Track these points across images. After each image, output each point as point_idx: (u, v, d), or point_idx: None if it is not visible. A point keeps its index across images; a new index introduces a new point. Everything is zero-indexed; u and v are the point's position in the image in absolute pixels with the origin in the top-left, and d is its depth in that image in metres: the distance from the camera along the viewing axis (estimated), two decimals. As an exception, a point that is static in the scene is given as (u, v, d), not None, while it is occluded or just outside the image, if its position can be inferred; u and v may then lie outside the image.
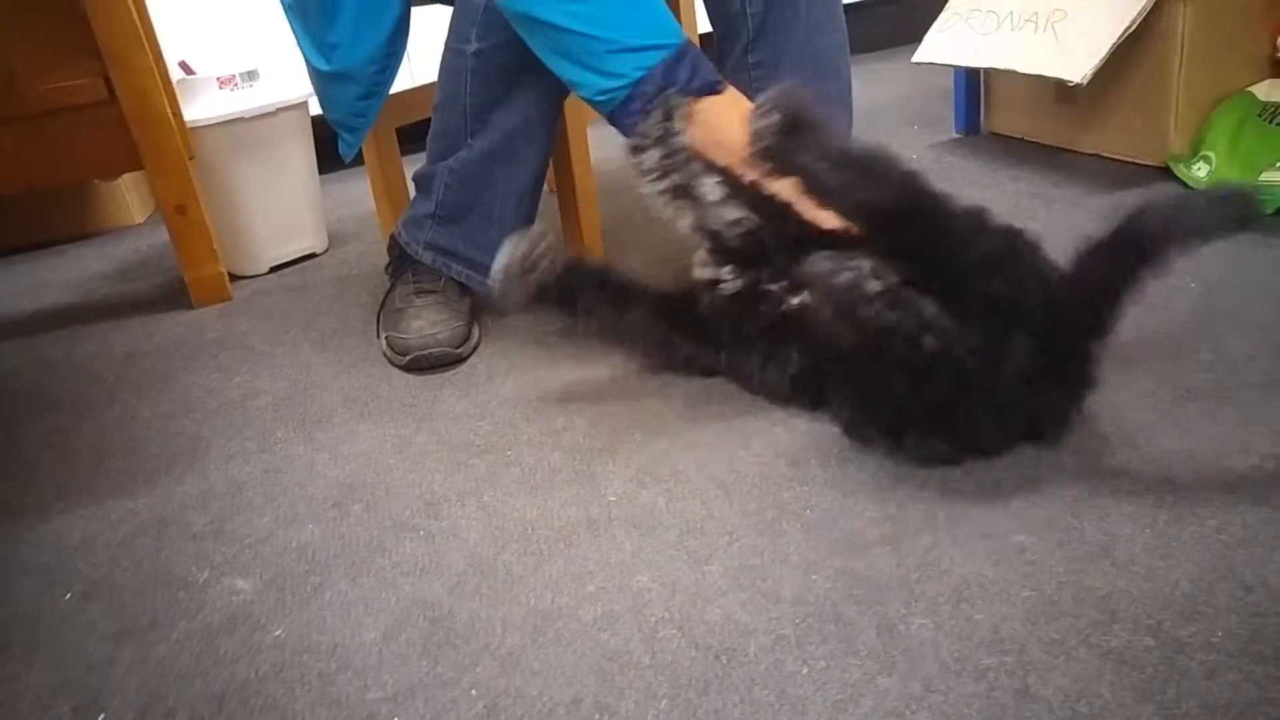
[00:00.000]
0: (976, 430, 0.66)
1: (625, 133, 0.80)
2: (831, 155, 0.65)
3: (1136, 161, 1.21)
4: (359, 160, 1.13)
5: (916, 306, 0.61)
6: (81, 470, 0.84)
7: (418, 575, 0.64)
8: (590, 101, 0.81)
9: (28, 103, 1.11)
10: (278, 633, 0.61)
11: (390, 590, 0.63)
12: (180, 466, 0.82)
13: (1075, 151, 1.30)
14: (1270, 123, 1.10)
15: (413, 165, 1.04)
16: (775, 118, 0.65)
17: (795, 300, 0.75)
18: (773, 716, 0.50)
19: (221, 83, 1.26)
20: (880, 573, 0.59)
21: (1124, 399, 0.72)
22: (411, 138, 1.16)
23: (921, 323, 0.61)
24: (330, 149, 1.13)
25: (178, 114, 1.18)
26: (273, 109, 1.26)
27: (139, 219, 1.67)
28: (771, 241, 0.76)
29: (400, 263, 1.01)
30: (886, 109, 1.67)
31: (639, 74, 0.76)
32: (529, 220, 0.99)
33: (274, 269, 1.31)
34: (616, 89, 0.77)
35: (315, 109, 1.19)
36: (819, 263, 0.63)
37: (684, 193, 0.78)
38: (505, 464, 0.76)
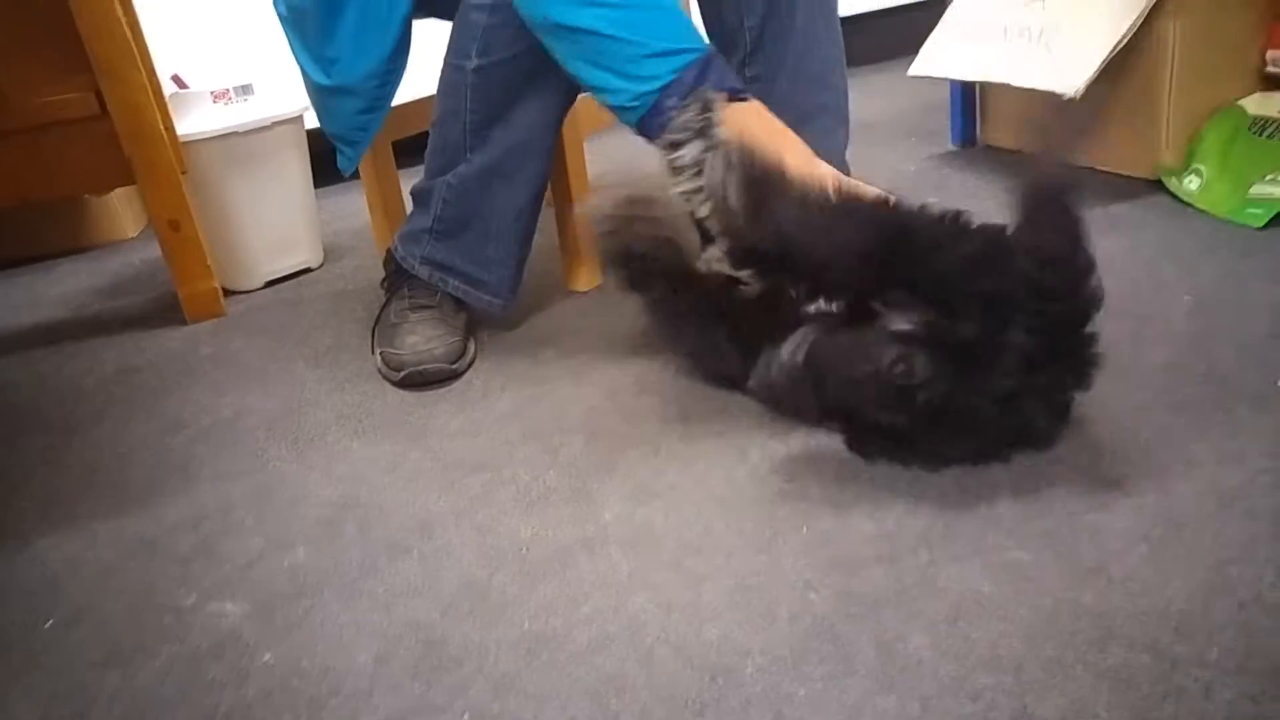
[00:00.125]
0: (986, 429, 0.66)
1: (653, 135, 0.78)
2: (793, 223, 0.65)
3: (1129, 174, 1.22)
4: (355, 174, 1.13)
5: (931, 370, 0.63)
6: (69, 490, 0.83)
7: (410, 597, 0.64)
8: (618, 108, 0.80)
9: (18, 117, 1.10)
10: (266, 657, 0.60)
11: (382, 612, 0.63)
12: (170, 486, 0.82)
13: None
14: (1260, 136, 1.11)
15: (409, 179, 1.04)
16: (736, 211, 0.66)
17: (813, 308, 0.74)
18: (770, 740, 0.49)
19: (215, 96, 1.26)
20: (877, 590, 0.58)
21: (1119, 412, 0.72)
22: (407, 151, 1.16)
23: (938, 382, 0.62)
24: (325, 163, 1.13)
25: (170, 128, 1.17)
26: (267, 123, 1.26)
27: (132, 233, 1.66)
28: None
29: (396, 278, 1.01)
30: (883, 122, 1.68)
31: (671, 76, 0.76)
32: (528, 236, 0.99)
33: (269, 284, 1.31)
34: (648, 92, 0.76)
35: (311, 123, 1.19)
36: (837, 347, 0.64)
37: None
38: (500, 482, 0.76)
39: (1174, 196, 1.14)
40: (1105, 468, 0.67)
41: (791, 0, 0.97)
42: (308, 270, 1.35)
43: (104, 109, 1.10)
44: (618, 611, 0.60)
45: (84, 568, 0.72)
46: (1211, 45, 1.13)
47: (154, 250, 1.47)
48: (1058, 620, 0.54)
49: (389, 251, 1.02)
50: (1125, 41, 1.11)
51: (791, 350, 0.66)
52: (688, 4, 1.13)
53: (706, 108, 0.75)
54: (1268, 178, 1.05)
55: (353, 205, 1.57)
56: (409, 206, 1.02)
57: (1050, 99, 1.14)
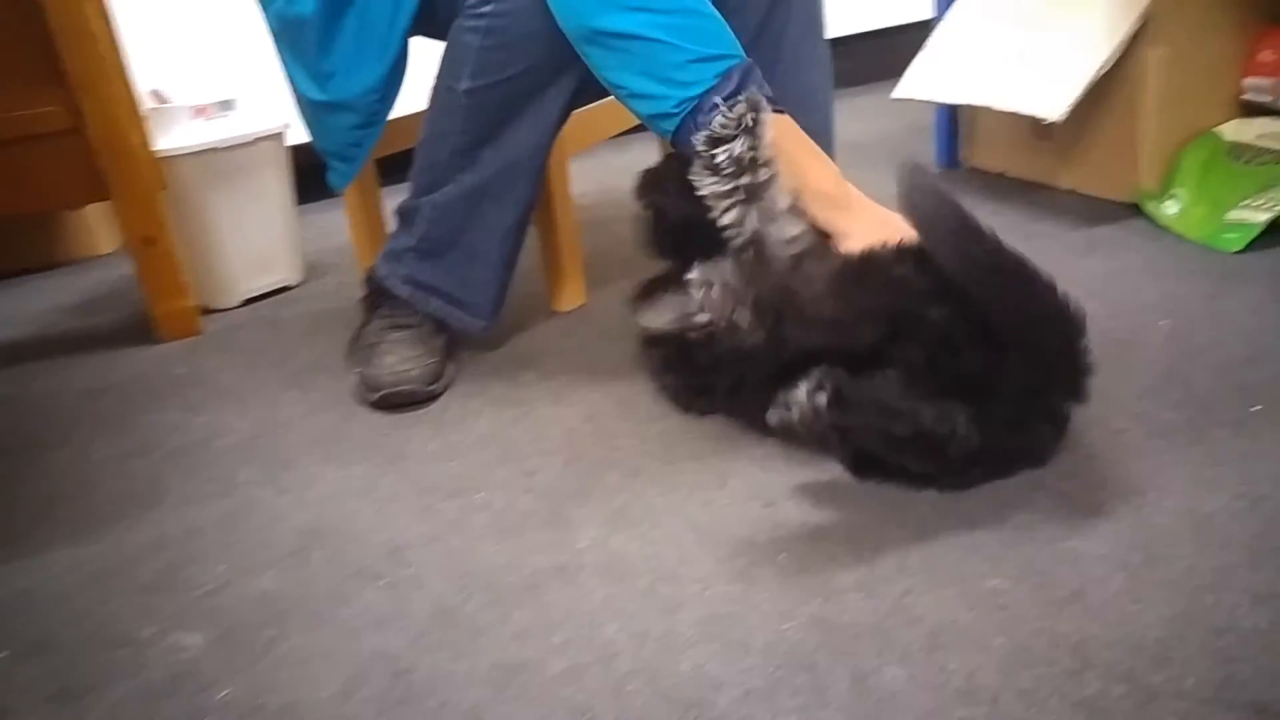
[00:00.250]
0: (998, 454, 0.67)
1: (686, 139, 0.77)
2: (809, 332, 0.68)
3: (1108, 198, 1.23)
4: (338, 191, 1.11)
5: (974, 428, 0.64)
6: (27, 516, 0.81)
7: (378, 626, 0.62)
8: (654, 115, 0.78)
9: (-10, 131, 1.09)
10: (225, 693, 0.58)
11: (350, 642, 0.61)
12: (134, 511, 0.79)
13: (1053, 187, 1.32)
14: (1237, 162, 1.12)
15: (392, 197, 1.03)
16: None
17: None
18: (742, 777, 0.48)
19: (196, 111, 1.25)
20: (854, 620, 0.57)
21: (1096, 438, 0.72)
22: (390, 169, 1.15)
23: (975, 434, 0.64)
24: (308, 179, 1.12)
25: (147, 143, 1.16)
26: (249, 139, 1.24)
27: (107, 249, 1.64)
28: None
29: (376, 297, 1.00)
30: (868, 144, 1.69)
31: (714, 82, 0.75)
32: (513, 258, 0.98)
33: (247, 302, 1.29)
34: (690, 98, 0.76)
35: (293, 139, 1.18)
36: (865, 403, 0.64)
37: (756, 194, 0.75)
38: (474, 508, 0.75)
39: (1152, 220, 1.15)
40: (1082, 494, 0.67)
41: (781, 24, 0.98)
42: (288, 288, 1.33)
43: (79, 123, 1.09)
44: (590, 641, 0.58)
45: (39, 599, 0.69)
46: (1190, 72, 1.15)
47: (130, 267, 1.46)
48: (1034, 650, 0.53)
49: (369, 270, 1.01)
50: (1107, 68, 1.12)
51: (810, 391, 0.65)
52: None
53: (754, 107, 0.75)
54: (1244, 203, 1.07)
55: (335, 222, 1.56)
56: (392, 224, 1.01)
57: (1033, 122, 1.15)
